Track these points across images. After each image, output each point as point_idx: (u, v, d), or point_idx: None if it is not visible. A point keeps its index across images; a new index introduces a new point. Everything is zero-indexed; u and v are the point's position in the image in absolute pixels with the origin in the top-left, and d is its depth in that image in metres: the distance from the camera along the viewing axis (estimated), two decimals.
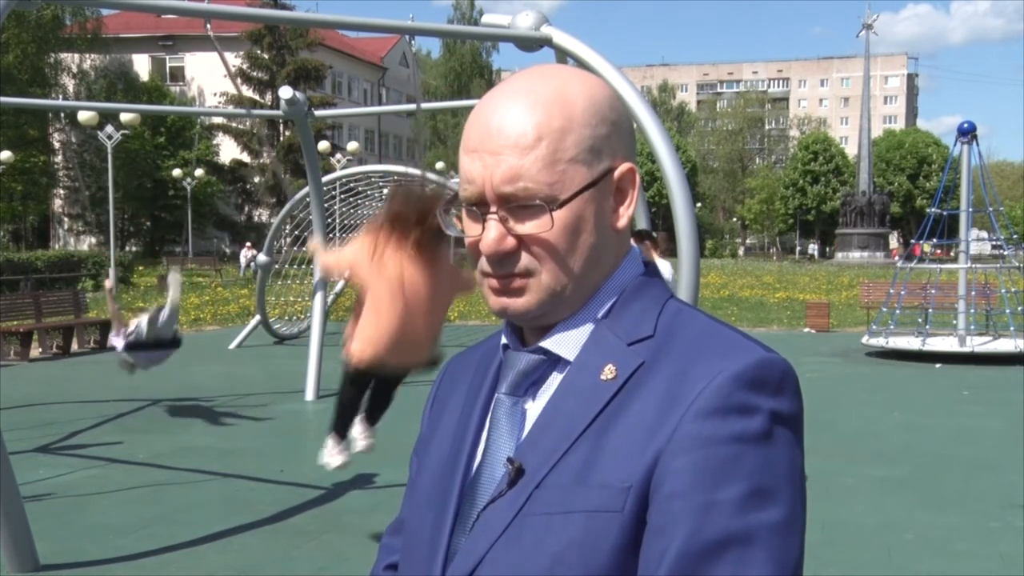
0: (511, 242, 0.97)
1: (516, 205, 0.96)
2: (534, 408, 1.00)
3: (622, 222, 1.01)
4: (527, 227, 0.96)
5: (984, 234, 35.45)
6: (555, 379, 1.00)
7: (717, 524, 0.85)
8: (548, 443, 0.95)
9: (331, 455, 5.21)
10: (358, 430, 5.25)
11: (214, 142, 52.13)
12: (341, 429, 5.17)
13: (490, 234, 0.96)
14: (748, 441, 0.87)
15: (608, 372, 0.95)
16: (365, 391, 5.16)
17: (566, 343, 1.00)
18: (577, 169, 0.96)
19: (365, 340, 4.72)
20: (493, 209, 0.97)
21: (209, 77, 52.99)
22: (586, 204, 0.97)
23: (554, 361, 1.00)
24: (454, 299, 5.11)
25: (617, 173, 1.00)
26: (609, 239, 1.00)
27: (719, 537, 0.85)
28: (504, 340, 1.06)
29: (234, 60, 48.38)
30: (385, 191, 16.70)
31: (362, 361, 4.76)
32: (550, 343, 1.00)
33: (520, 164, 0.95)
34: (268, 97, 47.47)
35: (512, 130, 0.95)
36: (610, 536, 0.88)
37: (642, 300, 1.01)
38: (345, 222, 17.03)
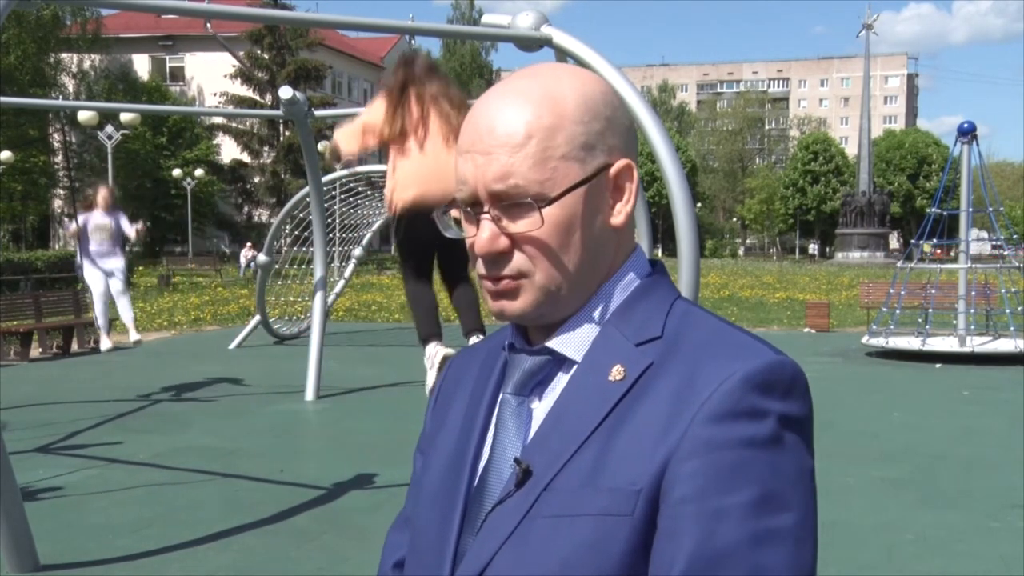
0: (504, 242, 0.96)
1: (508, 204, 0.95)
2: (540, 408, 0.99)
3: (620, 219, 1.00)
4: (519, 226, 0.96)
5: (984, 234, 35.45)
6: (561, 379, 0.99)
7: (728, 530, 0.84)
8: (556, 444, 0.94)
9: (430, 363, 4.75)
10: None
11: (214, 142, 52.10)
12: (425, 332, 4.82)
13: (483, 234, 0.97)
14: (758, 445, 0.87)
15: (616, 373, 0.94)
16: (426, 277, 4.97)
17: (572, 343, 0.99)
18: (569, 166, 0.95)
19: (402, 184, 4.75)
20: (486, 208, 0.97)
21: (209, 77, 52.99)
22: (580, 201, 0.96)
23: (560, 361, 1.00)
24: None
25: (613, 170, 0.99)
26: (607, 237, 0.99)
27: (731, 543, 0.84)
28: (510, 339, 1.05)
29: (234, 60, 48.44)
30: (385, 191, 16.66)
31: (405, 200, 4.74)
32: (556, 343, 0.99)
33: (511, 162, 0.94)
34: (268, 97, 47.42)
35: (502, 129, 0.95)
36: (619, 539, 0.88)
37: (649, 300, 1.00)
38: (345, 222, 17.01)
